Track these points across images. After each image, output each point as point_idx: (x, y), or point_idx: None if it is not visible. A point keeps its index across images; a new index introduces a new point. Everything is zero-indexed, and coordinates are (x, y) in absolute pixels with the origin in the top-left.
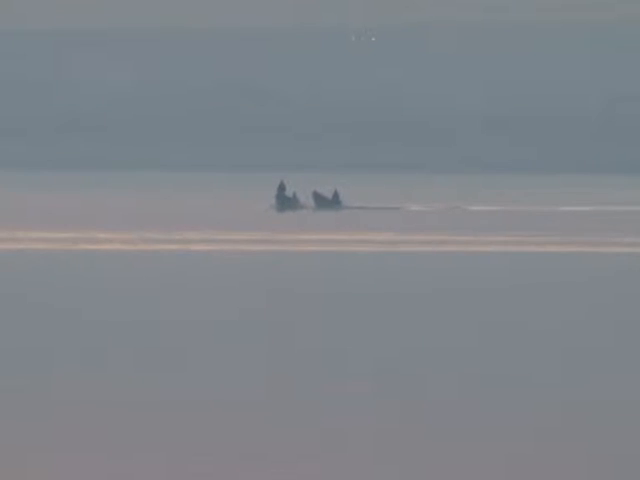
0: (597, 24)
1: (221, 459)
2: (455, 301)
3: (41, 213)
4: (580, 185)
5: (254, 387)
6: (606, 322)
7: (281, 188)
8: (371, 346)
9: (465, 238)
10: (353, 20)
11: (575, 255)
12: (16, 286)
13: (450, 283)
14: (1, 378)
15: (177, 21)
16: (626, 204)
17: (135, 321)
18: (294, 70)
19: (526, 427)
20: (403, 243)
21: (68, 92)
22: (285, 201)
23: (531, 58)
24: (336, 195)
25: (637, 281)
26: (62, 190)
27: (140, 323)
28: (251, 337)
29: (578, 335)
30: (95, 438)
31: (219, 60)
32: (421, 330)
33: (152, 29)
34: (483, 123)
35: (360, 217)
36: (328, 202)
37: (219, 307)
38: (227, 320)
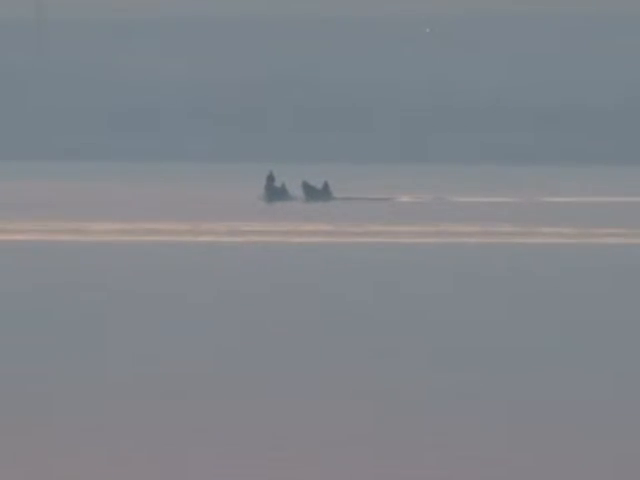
0: None
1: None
2: (445, 293)
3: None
4: (573, 176)
5: (254, 377)
6: (601, 315)
7: (270, 179)
8: (357, 338)
9: (454, 229)
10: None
11: (566, 246)
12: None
13: (441, 274)
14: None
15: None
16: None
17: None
18: (287, 60)
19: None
20: (393, 234)
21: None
22: (274, 192)
23: (529, 52)
24: (326, 186)
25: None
26: (47, 179)
27: (133, 314)
28: (244, 328)
29: (571, 327)
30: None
31: (215, 51)
32: (403, 321)
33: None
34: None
35: (350, 208)
36: (318, 193)
37: (207, 298)
38: (217, 311)
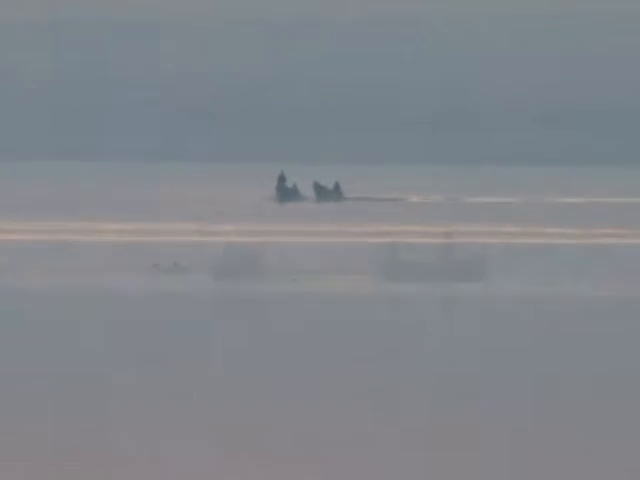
0: None
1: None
2: (454, 293)
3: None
4: (580, 178)
5: (261, 377)
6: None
7: (281, 179)
8: (366, 338)
9: (466, 229)
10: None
11: (569, 247)
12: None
13: (451, 274)
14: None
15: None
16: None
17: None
18: (297, 61)
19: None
20: (404, 234)
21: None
22: (286, 192)
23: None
24: (337, 186)
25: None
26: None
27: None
28: (252, 328)
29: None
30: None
31: (215, 50)
32: (413, 321)
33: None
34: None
35: (361, 208)
36: (329, 193)
37: (218, 299)
38: (228, 312)
